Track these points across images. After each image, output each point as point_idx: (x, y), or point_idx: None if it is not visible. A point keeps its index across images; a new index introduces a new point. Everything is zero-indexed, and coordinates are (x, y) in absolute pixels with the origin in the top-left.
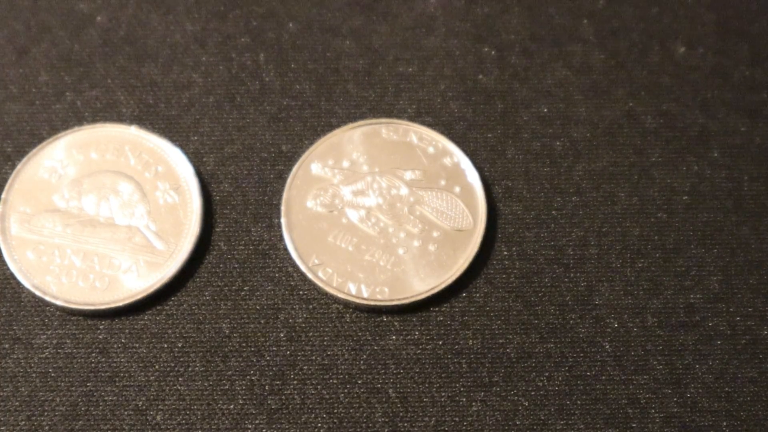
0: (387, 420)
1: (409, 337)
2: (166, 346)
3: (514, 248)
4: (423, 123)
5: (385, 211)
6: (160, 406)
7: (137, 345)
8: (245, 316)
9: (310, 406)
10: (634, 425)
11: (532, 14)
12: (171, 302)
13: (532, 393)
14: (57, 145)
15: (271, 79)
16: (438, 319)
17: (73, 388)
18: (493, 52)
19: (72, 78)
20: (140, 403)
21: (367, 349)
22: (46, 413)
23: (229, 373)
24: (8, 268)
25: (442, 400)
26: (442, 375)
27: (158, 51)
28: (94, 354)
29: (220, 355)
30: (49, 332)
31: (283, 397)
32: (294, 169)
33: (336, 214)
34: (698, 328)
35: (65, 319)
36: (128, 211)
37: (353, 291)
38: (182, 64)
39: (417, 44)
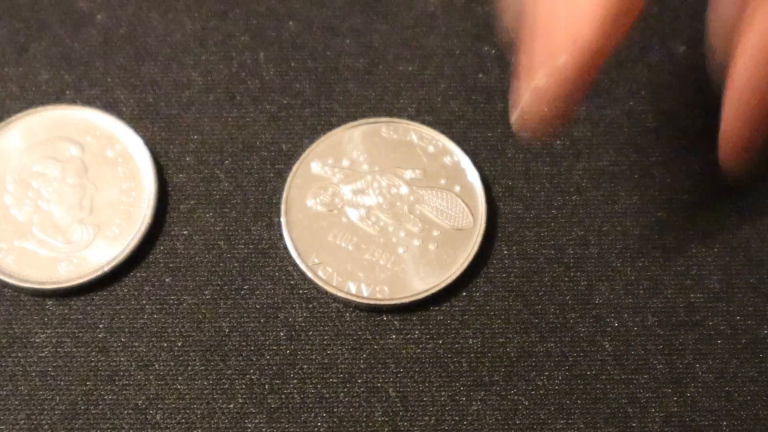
0: (387, 419)
1: (409, 336)
2: (165, 345)
3: (514, 247)
4: (423, 122)
5: (385, 210)
6: (159, 405)
7: (137, 344)
8: (245, 315)
9: (310, 405)
10: (634, 424)
11: None
12: (170, 301)
13: (532, 392)
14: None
15: (271, 77)
16: (438, 318)
17: (73, 388)
18: (493, 51)
19: (72, 77)
20: (140, 402)
21: (366, 348)
22: (45, 412)
23: (229, 372)
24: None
25: (442, 399)
26: (442, 374)
27: (158, 49)
28: (93, 353)
29: (220, 354)
30: (48, 331)
31: (283, 396)
32: (294, 167)
33: (336, 213)
34: (698, 328)
35: (64, 317)
36: None
37: (353, 290)
38: (182, 62)
39: (417, 43)
